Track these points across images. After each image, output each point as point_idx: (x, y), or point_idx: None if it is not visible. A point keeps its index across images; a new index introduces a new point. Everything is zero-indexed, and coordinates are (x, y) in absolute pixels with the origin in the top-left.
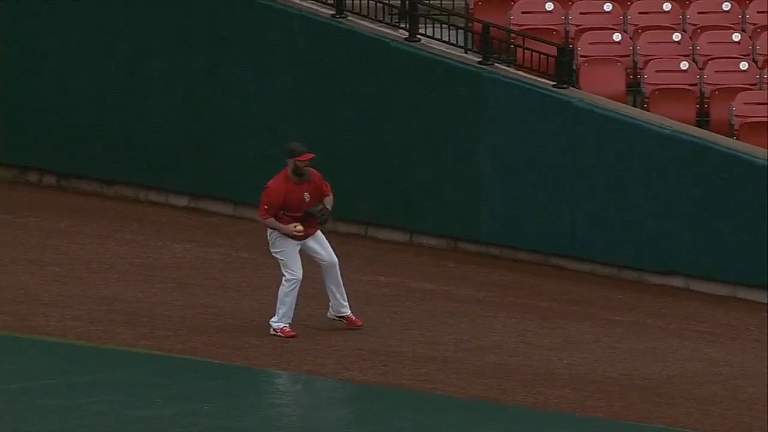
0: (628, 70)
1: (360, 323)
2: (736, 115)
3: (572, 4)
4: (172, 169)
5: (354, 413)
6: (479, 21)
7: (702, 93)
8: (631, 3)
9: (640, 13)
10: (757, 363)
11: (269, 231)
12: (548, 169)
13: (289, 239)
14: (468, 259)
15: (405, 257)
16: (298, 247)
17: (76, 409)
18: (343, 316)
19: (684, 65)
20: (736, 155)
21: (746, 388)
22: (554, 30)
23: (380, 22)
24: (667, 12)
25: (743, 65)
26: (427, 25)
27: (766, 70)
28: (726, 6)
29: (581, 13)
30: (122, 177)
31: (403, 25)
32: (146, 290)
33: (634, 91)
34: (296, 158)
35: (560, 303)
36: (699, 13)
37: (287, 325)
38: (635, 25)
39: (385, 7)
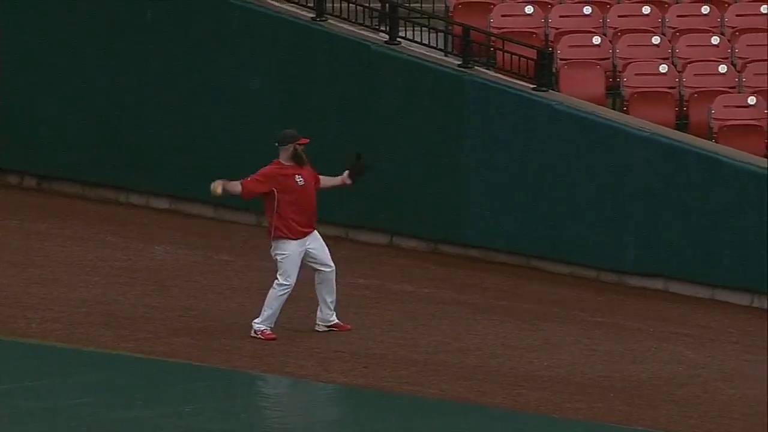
0: (608, 73)
1: (348, 327)
2: (715, 118)
3: (552, 8)
4: (152, 172)
5: (335, 415)
6: (459, 24)
7: (681, 96)
8: (611, 6)
9: (619, 16)
10: (737, 365)
11: (273, 231)
12: (528, 172)
13: (293, 243)
14: (449, 262)
15: (386, 259)
16: (302, 254)
17: (57, 412)
18: (332, 325)
19: (663, 68)
20: (715, 158)
21: (726, 390)
22: (534, 33)
23: (360, 25)
24: (647, 15)
25: (722, 68)
26: (407, 28)
27: (744, 73)
28: (705, 9)
29: (561, 17)
30: (103, 179)
31: (383, 28)
32: (127, 292)
33: (613, 93)
34: (296, 143)
35: (541, 305)
36: (678, 16)
37: (269, 328)
38: (614, 29)
39: (366, 10)
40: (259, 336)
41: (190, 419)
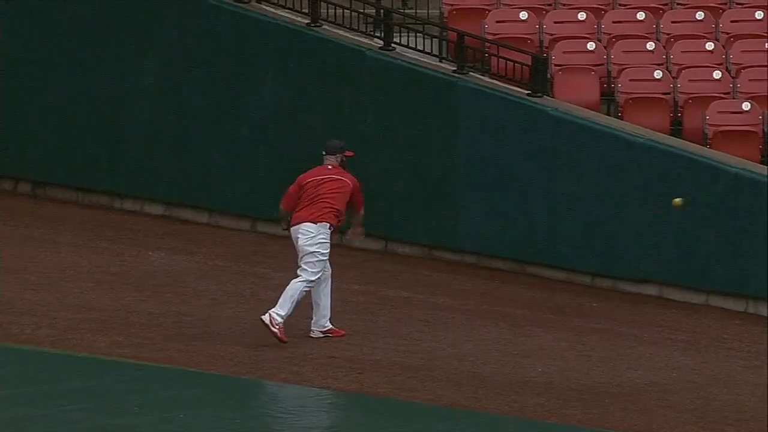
0: (602, 79)
1: (343, 333)
2: (710, 124)
3: (546, 14)
4: (147, 178)
5: (329, 421)
6: (454, 30)
7: (675, 102)
8: (605, 12)
9: (614, 22)
10: (731, 371)
11: (324, 225)
12: (523, 178)
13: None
14: (443, 267)
15: (380, 265)
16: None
17: (51, 418)
18: (327, 330)
19: (658, 74)
20: (709, 164)
21: (720, 395)
22: (529, 39)
23: (355, 31)
24: (641, 21)
25: (716, 74)
26: (402, 34)
27: (738, 79)
28: (699, 15)
29: (555, 23)
30: (97, 185)
31: (378, 34)
32: (122, 298)
33: (608, 99)
34: (346, 153)
35: (535, 311)
36: (672, 22)
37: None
38: (609, 34)
39: (360, 16)
40: (277, 331)
41: (185, 425)
